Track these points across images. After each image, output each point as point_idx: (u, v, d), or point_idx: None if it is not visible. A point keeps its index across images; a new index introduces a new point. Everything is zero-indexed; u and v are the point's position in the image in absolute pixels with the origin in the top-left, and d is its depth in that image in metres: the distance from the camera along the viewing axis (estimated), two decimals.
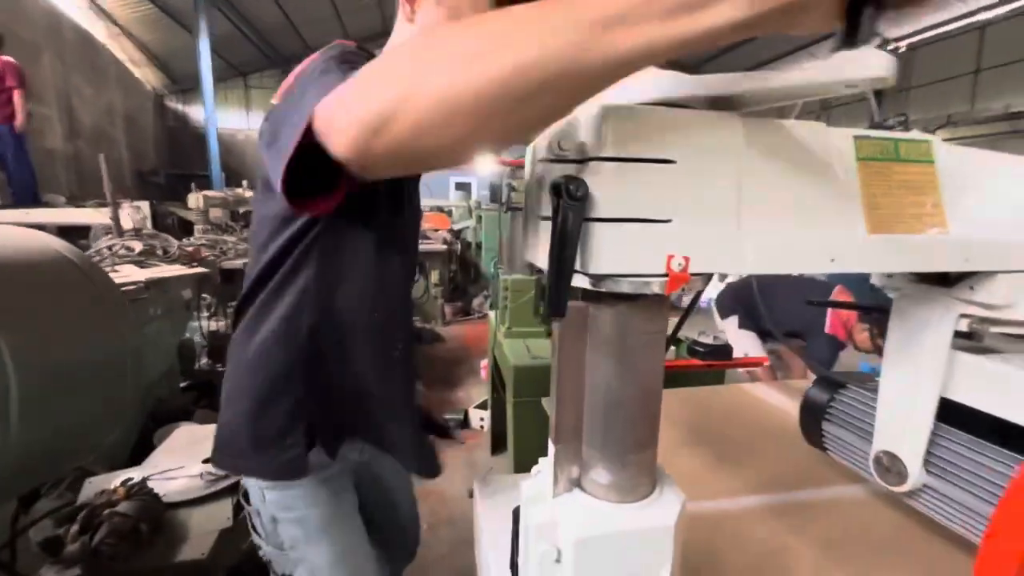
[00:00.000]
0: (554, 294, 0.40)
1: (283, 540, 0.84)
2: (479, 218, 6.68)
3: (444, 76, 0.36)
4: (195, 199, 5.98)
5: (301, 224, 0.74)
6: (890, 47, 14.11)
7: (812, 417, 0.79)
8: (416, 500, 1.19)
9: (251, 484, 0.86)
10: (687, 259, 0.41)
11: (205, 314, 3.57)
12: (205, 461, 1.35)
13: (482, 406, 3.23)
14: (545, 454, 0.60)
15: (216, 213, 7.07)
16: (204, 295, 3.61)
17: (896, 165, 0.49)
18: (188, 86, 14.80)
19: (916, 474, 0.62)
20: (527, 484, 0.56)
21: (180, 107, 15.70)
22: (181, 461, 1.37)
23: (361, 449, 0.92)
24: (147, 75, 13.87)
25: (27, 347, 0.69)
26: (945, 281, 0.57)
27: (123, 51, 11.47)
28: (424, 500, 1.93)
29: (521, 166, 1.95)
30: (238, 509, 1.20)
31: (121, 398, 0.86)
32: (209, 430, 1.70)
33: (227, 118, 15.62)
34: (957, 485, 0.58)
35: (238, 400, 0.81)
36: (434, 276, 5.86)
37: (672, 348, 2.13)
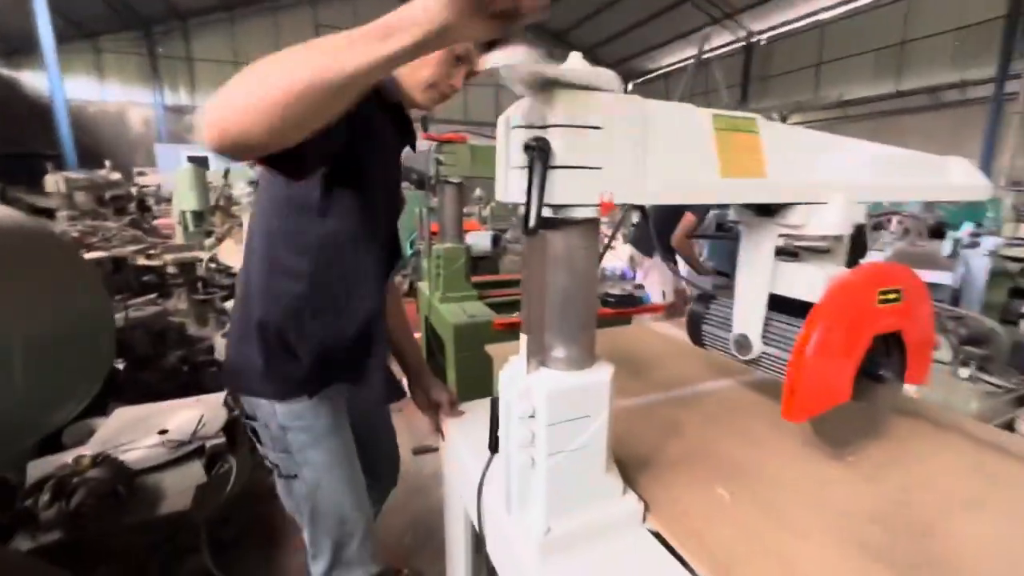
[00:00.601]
0: (530, 218, 0.59)
1: (291, 445, 1.00)
2: None
3: (244, 95, 0.54)
4: (54, 182, 5.21)
5: (305, 186, 0.89)
6: (754, 39, 15.92)
7: (696, 323, 1.08)
8: (395, 432, 1.37)
9: (261, 403, 0.99)
10: (612, 193, 0.63)
11: None
12: (161, 432, 1.35)
13: None
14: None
15: (80, 198, 6.21)
16: None
17: (736, 134, 0.75)
18: (14, 47, 12.33)
19: (757, 346, 0.91)
20: (504, 372, 0.76)
21: (5, 73, 13.03)
22: (127, 438, 1.36)
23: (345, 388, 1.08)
24: None
25: (9, 315, 0.72)
26: (768, 212, 0.85)
27: None
28: None
29: (449, 141, 2.08)
30: (210, 467, 1.25)
31: (94, 368, 0.89)
32: (143, 411, 1.67)
33: (74, 87, 13.31)
34: (780, 348, 0.89)
35: (253, 335, 0.97)
36: None
37: None
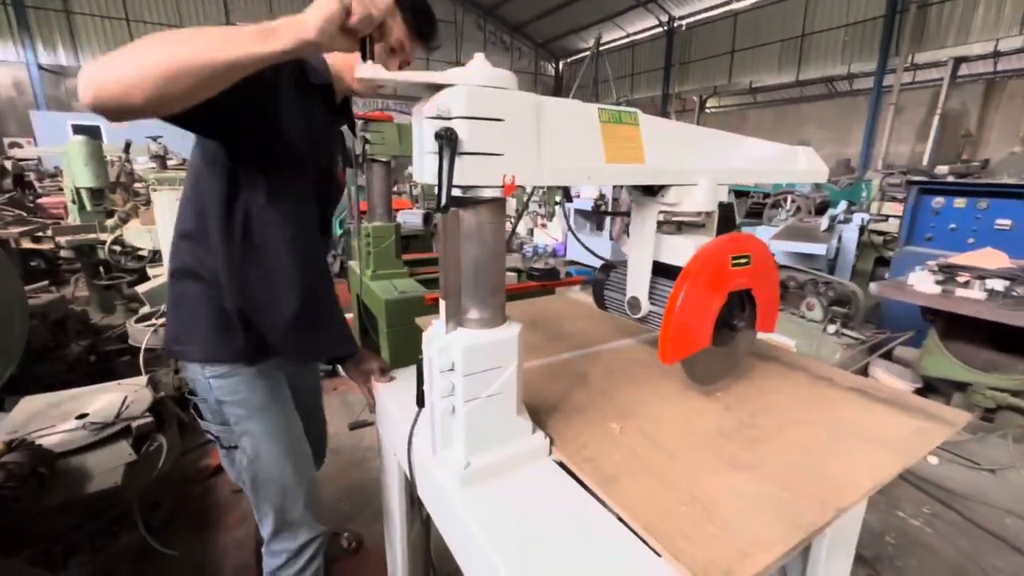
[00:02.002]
0: (442, 197, 0.69)
1: (229, 418, 1.04)
2: None
3: (127, 64, 0.63)
4: None
5: (231, 163, 0.93)
6: (675, 24, 16.59)
7: (599, 289, 1.24)
8: (325, 416, 1.43)
9: (198, 379, 1.03)
10: (514, 176, 0.74)
11: None
12: (79, 417, 1.31)
13: None
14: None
15: None
16: None
17: (619, 126, 0.88)
18: None
19: (645, 306, 1.09)
20: (426, 333, 0.86)
21: None
22: (41, 425, 1.30)
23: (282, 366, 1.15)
24: None
25: None
26: (651, 192, 1.01)
27: None
28: None
29: (375, 120, 2.09)
30: (138, 446, 1.24)
31: (6, 350, 0.86)
32: (54, 398, 1.59)
33: None
34: (662, 306, 1.07)
35: (193, 303, 1.01)
36: None
37: (515, 276, 2.65)
